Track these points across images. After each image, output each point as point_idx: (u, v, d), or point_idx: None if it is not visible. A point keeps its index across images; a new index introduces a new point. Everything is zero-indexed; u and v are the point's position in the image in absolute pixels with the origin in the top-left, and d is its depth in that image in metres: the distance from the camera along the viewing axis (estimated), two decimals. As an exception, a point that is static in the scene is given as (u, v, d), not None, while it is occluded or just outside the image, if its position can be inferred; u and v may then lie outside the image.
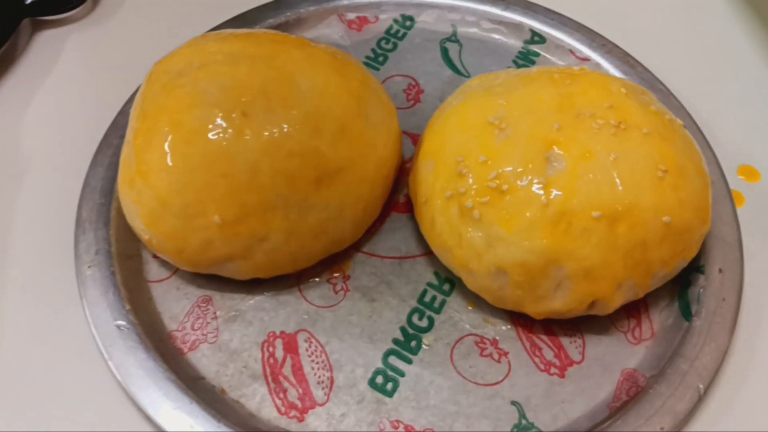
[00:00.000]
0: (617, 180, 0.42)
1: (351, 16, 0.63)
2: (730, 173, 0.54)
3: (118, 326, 0.45)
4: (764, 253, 0.51)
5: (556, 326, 0.47)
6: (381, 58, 0.61)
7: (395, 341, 0.47)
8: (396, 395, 0.45)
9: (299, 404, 0.44)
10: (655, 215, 0.43)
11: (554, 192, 0.42)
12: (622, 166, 0.43)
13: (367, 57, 0.61)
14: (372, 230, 0.51)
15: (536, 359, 0.46)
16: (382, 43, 0.62)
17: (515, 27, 0.62)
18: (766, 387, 0.46)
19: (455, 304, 0.48)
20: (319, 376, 0.45)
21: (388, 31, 0.62)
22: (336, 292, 0.49)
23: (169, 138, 0.44)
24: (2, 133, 0.57)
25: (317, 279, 0.49)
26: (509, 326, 0.47)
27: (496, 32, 0.62)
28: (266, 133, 0.44)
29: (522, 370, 0.46)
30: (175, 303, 0.48)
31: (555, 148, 0.44)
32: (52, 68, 0.61)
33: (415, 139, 0.56)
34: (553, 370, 0.46)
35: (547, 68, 0.50)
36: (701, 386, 0.44)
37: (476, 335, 0.47)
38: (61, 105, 0.59)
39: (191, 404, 0.43)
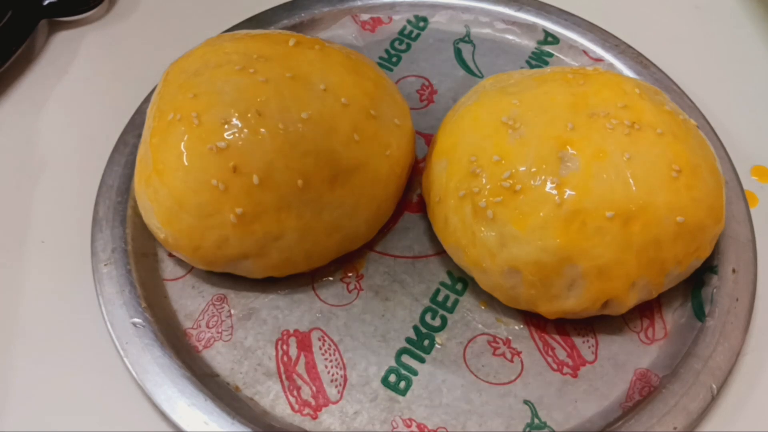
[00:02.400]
0: (631, 180, 0.42)
1: (365, 16, 0.63)
2: (743, 174, 0.53)
3: (134, 324, 0.46)
4: (778, 254, 0.51)
5: (569, 326, 0.47)
6: (395, 59, 0.61)
7: (408, 340, 0.47)
8: (409, 394, 0.45)
9: (313, 402, 0.45)
10: (669, 215, 0.43)
11: (568, 192, 0.42)
12: (635, 165, 0.43)
13: (381, 57, 0.61)
14: (385, 229, 0.51)
15: (549, 359, 0.46)
16: (396, 44, 0.62)
17: (528, 27, 0.62)
18: (780, 387, 0.46)
19: (468, 303, 0.49)
20: (333, 374, 0.46)
21: (401, 32, 0.62)
22: (349, 291, 0.49)
23: (186, 137, 0.44)
24: (20, 133, 0.58)
25: (331, 278, 0.49)
26: (522, 326, 0.48)
27: (509, 33, 0.62)
28: (281, 133, 0.44)
29: (535, 370, 0.46)
30: (190, 301, 0.49)
31: (568, 147, 0.44)
32: (69, 68, 0.62)
33: (429, 139, 0.56)
34: (565, 369, 0.46)
35: (560, 68, 0.50)
36: (714, 386, 0.44)
37: (489, 334, 0.47)
38: (78, 104, 0.59)
39: (206, 401, 0.43)
